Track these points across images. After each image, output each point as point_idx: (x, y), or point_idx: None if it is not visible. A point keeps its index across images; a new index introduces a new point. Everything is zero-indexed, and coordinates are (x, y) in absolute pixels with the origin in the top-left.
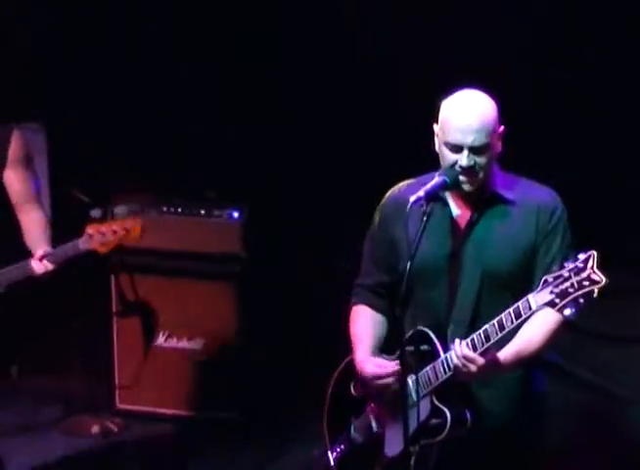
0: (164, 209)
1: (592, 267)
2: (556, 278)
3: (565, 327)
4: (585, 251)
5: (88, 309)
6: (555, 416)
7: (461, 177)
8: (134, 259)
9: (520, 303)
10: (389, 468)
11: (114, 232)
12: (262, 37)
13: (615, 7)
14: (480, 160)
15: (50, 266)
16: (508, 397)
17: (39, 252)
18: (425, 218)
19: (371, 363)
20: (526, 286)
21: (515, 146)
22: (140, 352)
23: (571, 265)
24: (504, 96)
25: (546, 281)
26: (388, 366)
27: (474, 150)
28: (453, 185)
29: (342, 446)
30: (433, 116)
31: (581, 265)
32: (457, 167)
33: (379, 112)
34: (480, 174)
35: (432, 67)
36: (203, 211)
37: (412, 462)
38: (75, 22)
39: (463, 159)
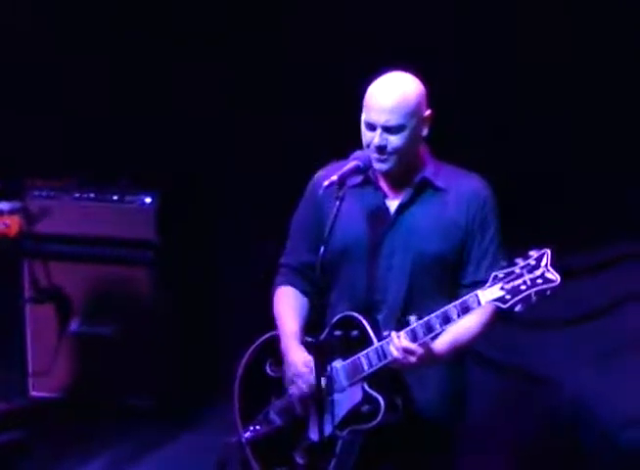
0: (77, 194)
1: (547, 266)
2: (507, 274)
3: (497, 317)
4: (539, 248)
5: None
6: (475, 399)
7: (374, 155)
8: (47, 245)
9: (468, 297)
10: (312, 453)
11: None
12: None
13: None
14: (394, 140)
15: None
16: (435, 382)
17: None
18: (338, 203)
19: (300, 360)
20: (457, 273)
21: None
22: (53, 338)
23: (522, 262)
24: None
25: (496, 277)
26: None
27: (387, 129)
28: (366, 168)
29: (258, 427)
30: None
31: (534, 263)
32: (371, 146)
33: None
34: (394, 156)
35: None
36: (115, 197)
37: (337, 447)
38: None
39: (376, 137)
